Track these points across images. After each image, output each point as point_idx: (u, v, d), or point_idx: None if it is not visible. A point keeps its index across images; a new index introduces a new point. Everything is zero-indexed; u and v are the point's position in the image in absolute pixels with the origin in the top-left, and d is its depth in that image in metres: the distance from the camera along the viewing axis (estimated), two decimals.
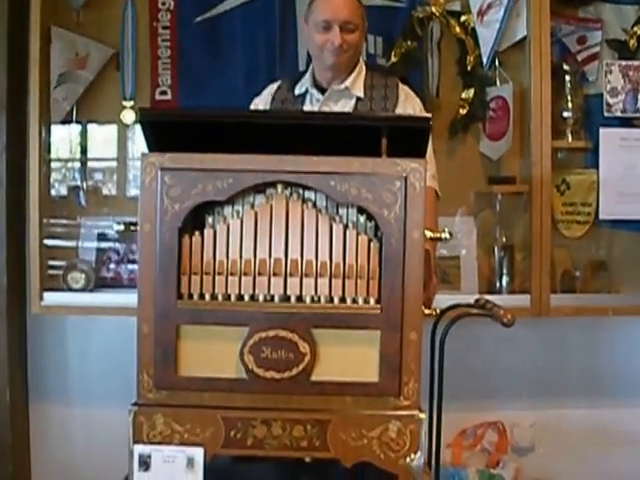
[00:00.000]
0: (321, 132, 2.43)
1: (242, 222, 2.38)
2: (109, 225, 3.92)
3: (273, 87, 3.29)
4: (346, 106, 3.05)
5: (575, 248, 3.90)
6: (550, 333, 3.73)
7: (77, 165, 4.03)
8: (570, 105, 3.78)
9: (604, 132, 3.78)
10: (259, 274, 2.37)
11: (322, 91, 3.11)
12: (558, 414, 3.96)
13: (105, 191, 4.08)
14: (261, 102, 3.24)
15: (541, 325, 3.56)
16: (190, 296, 2.38)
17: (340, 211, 2.41)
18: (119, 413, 3.77)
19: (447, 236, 2.42)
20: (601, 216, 3.81)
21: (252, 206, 2.39)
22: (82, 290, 3.81)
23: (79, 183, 3.98)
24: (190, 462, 2.38)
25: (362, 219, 2.41)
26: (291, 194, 2.38)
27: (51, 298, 3.77)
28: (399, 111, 3.00)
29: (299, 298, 2.38)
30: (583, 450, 3.97)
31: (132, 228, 2.44)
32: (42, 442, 4.00)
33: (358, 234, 2.37)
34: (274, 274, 2.37)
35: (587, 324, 3.93)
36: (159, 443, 2.38)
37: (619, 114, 3.81)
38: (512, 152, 3.85)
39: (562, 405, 3.97)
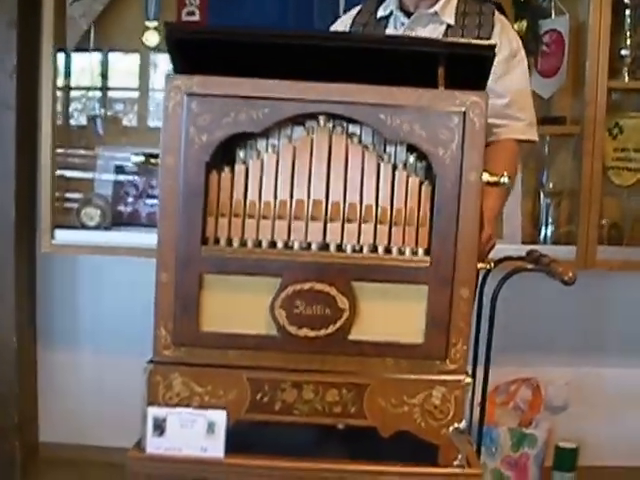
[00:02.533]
0: (370, 58, 2.14)
1: (278, 158, 2.09)
2: (128, 157, 3.63)
3: (354, 10, 2.98)
4: (434, 32, 2.73)
5: (625, 198, 3.61)
6: (593, 288, 3.45)
7: (97, 94, 3.71)
8: (629, 42, 3.46)
9: None
10: (295, 218, 2.09)
11: (408, 15, 2.79)
12: (595, 373, 3.72)
13: (125, 122, 3.80)
14: (340, 26, 2.93)
15: (584, 278, 3.28)
16: (216, 241, 2.11)
17: (388, 149, 2.13)
18: (132, 361, 3.59)
19: (506, 180, 2.13)
20: None
21: (290, 140, 2.10)
22: (97, 228, 3.53)
23: (98, 112, 3.66)
24: (211, 427, 2.12)
25: (412, 158, 2.12)
26: (334, 127, 2.09)
27: (63, 236, 3.49)
28: (494, 39, 2.67)
29: (339, 247, 2.10)
30: (618, 412, 3.73)
31: (153, 161, 2.16)
32: (50, 390, 3.76)
33: (408, 175, 2.08)
34: (312, 218, 2.09)
35: (633, 280, 3.64)
36: (176, 405, 2.12)
37: None
38: (564, 91, 3.54)
39: (599, 364, 3.72)
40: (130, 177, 3.65)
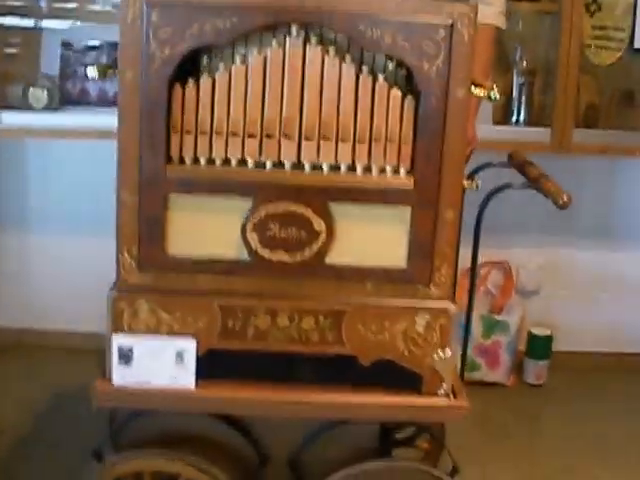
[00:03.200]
0: None
1: (247, 70, 1.91)
2: (75, 28, 3.36)
3: None
4: None
5: (602, 77, 3.44)
6: (566, 170, 3.34)
7: None
8: None
9: None
10: (267, 136, 1.93)
11: None
12: (567, 255, 3.63)
13: None
14: None
15: (557, 160, 3.17)
16: (181, 160, 1.95)
17: (366, 56, 1.95)
18: (84, 242, 3.48)
19: (496, 96, 1.98)
20: (637, 44, 3.32)
21: (260, 50, 1.92)
22: (45, 109, 3.30)
23: None
24: (180, 356, 2.02)
25: (391, 66, 1.96)
26: (309, 36, 1.91)
27: (9, 118, 3.27)
28: None
29: (315, 166, 1.95)
30: (590, 295, 3.67)
31: (110, 72, 1.96)
32: (2, 275, 3.62)
33: (390, 87, 1.92)
34: (285, 136, 1.93)
35: (607, 163, 3.53)
36: (143, 334, 2.01)
37: None
38: None
39: (572, 246, 3.63)
40: (78, 55, 3.39)
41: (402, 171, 1.96)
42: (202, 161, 1.95)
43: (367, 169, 1.96)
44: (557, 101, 3.24)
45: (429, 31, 1.88)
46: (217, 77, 1.92)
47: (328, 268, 1.99)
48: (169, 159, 1.94)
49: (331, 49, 1.91)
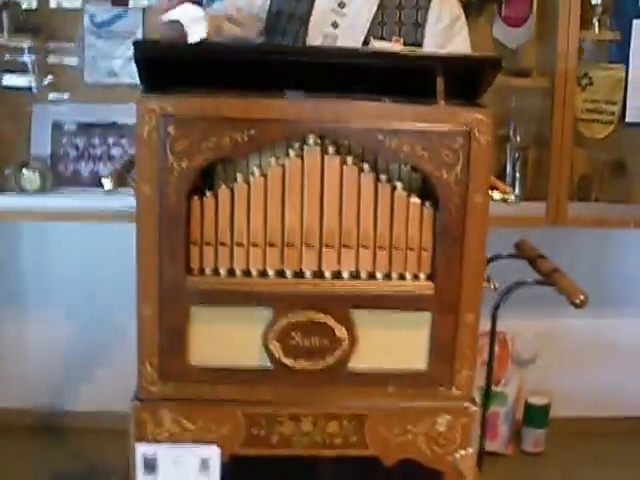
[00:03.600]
0: (360, 73, 1.97)
1: (266, 180, 1.92)
2: (64, 112, 3.34)
3: None
4: (368, 2, 2.50)
5: (594, 150, 3.48)
6: (559, 240, 3.37)
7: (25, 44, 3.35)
8: None
9: (638, 24, 3.29)
10: (287, 245, 1.94)
11: None
12: (562, 323, 3.65)
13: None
14: None
15: (550, 232, 3.20)
16: (202, 271, 1.95)
17: (381, 163, 1.97)
18: (80, 323, 3.46)
19: (512, 199, 2.00)
20: (628, 118, 3.37)
21: (278, 160, 1.93)
22: (37, 192, 3.28)
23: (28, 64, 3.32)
24: (204, 463, 2.01)
25: (405, 170, 1.98)
26: (326, 146, 1.92)
27: (1, 201, 3.25)
28: (434, 10, 2.48)
29: (336, 274, 1.96)
30: (586, 362, 3.70)
31: (130, 182, 1.96)
32: None
33: (409, 196, 1.94)
34: (306, 245, 1.94)
35: (599, 233, 3.57)
36: (167, 442, 2.00)
37: None
38: (530, 41, 3.37)
39: (566, 314, 3.65)
40: (69, 137, 3.37)
41: (422, 277, 1.97)
42: (222, 272, 1.95)
43: (387, 275, 1.97)
44: (552, 175, 3.27)
45: (447, 139, 1.90)
46: (235, 188, 1.93)
47: (350, 373, 2.00)
48: (189, 271, 1.94)
49: (349, 158, 1.92)
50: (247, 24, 2.57)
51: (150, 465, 2.01)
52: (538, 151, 3.42)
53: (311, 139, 1.91)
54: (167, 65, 1.93)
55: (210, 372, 1.99)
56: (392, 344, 2.00)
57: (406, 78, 1.97)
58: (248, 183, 1.92)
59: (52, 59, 3.23)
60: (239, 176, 1.93)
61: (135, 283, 1.96)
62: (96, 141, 3.34)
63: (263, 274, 1.96)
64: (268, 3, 2.59)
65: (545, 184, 3.30)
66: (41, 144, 3.39)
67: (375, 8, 2.50)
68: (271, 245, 1.94)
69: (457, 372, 2.00)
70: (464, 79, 1.97)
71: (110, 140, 3.25)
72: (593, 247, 3.63)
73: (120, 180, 2.03)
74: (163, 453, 2.00)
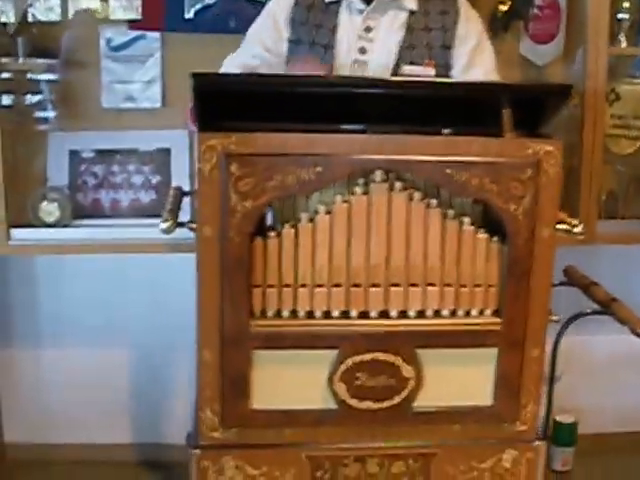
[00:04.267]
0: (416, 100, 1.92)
1: (332, 218, 1.86)
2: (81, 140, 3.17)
3: None
4: (395, 21, 2.45)
5: (622, 166, 3.44)
6: (583, 256, 3.34)
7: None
8: (627, 5, 3.23)
9: None
10: (353, 285, 1.88)
11: (366, 1, 2.50)
12: (586, 338, 3.62)
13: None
14: (279, 6, 2.58)
15: (573, 250, 3.16)
16: (264, 314, 1.89)
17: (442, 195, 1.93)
18: (95, 354, 3.35)
19: (579, 230, 1.96)
20: None
21: (343, 198, 1.87)
22: (57, 224, 3.12)
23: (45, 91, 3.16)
24: None
25: (467, 202, 1.94)
26: (392, 182, 1.87)
27: (20, 235, 3.08)
28: (461, 31, 2.44)
29: (401, 313, 1.91)
30: (613, 378, 3.68)
31: (190, 226, 1.89)
32: (13, 391, 3.45)
33: (476, 231, 1.89)
34: (373, 285, 1.89)
35: (622, 249, 3.53)
36: None
37: None
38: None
39: (590, 329, 3.63)
40: (87, 165, 3.23)
41: (487, 312, 1.93)
42: (285, 314, 1.89)
43: (452, 312, 1.92)
44: (582, 193, 3.20)
45: (516, 171, 1.86)
46: (300, 227, 1.87)
47: (416, 413, 1.96)
48: (251, 314, 1.88)
49: (416, 194, 1.87)
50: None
51: None
52: (566, 169, 3.36)
53: (378, 175, 1.86)
54: (222, 97, 1.86)
55: (273, 416, 1.94)
56: (458, 381, 1.97)
57: (465, 107, 1.93)
58: (313, 222, 1.86)
59: (68, 84, 3.10)
60: (303, 215, 1.87)
61: (194, 327, 1.90)
62: (115, 169, 3.21)
63: (327, 315, 1.90)
64: (290, 14, 2.52)
65: (575, 201, 3.23)
66: (59, 174, 3.22)
67: (403, 32, 2.44)
68: (336, 285, 1.88)
69: (523, 407, 1.97)
70: (528, 107, 1.93)
71: (130, 167, 3.13)
72: (617, 262, 3.58)
73: (173, 217, 1.95)
74: None
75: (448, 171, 1.85)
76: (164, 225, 1.89)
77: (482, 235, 1.90)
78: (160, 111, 3.06)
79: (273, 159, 1.81)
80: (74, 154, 3.14)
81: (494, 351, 1.94)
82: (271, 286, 1.88)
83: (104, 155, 3.12)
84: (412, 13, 2.47)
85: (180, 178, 3.00)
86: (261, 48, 2.49)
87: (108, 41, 3.00)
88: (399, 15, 2.48)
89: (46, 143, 3.11)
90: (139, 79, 3.04)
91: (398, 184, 1.87)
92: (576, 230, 1.95)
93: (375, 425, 1.95)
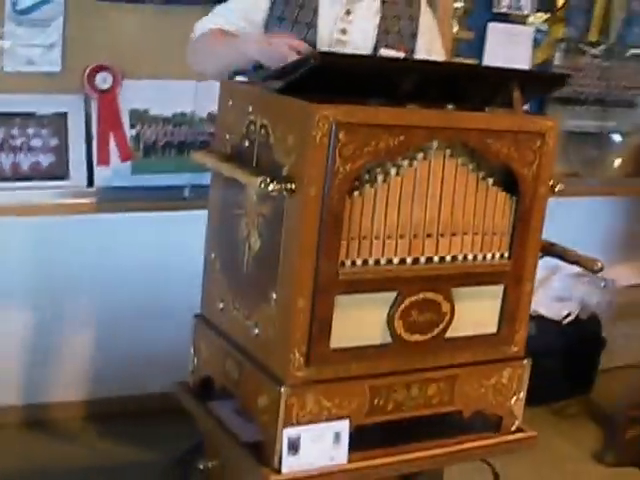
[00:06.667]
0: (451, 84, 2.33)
1: (402, 181, 2.20)
2: None
3: None
4: (371, 7, 2.71)
5: None
6: None
7: None
8: None
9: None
10: (414, 237, 2.24)
11: None
12: None
13: None
14: None
15: None
16: (352, 263, 2.18)
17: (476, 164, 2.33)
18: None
19: (562, 188, 2.45)
20: None
21: (410, 163, 2.21)
22: None
23: None
24: (337, 437, 2.24)
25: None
26: (443, 149, 2.25)
27: None
28: (423, 21, 2.81)
29: (441, 259, 2.30)
30: None
31: (288, 186, 2.11)
32: None
33: (497, 192, 2.34)
34: (428, 235, 2.26)
35: None
36: (307, 423, 2.20)
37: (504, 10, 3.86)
38: None
39: None
40: None
41: (497, 256, 2.38)
42: (371, 263, 2.19)
43: (474, 257, 2.35)
44: None
45: (530, 142, 2.31)
46: (378, 188, 2.18)
47: (446, 342, 2.35)
48: (341, 264, 2.16)
49: (460, 160, 2.27)
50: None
51: (294, 446, 2.19)
52: None
53: (435, 144, 2.22)
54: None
55: (344, 353, 2.22)
56: (475, 314, 2.38)
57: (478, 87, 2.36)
58: (388, 184, 2.18)
59: None
60: (379, 177, 2.18)
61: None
62: (15, 132, 3.11)
63: (389, 262, 2.23)
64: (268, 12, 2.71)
65: None
66: None
67: (378, 18, 2.75)
68: (401, 237, 2.22)
69: (516, 332, 2.45)
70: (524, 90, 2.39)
71: (30, 131, 3.06)
72: None
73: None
74: (305, 434, 2.20)
75: (489, 141, 2.26)
76: (272, 186, 2.10)
77: (502, 193, 2.34)
78: (59, 75, 3.06)
79: (370, 128, 2.11)
80: None
81: (501, 287, 2.39)
82: (352, 239, 2.17)
83: (3, 118, 3.04)
84: (384, 2, 2.77)
85: (77, 141, 3.04)
86: (240, 18, 2.66)
87: (14, 4, 2.94)
88: (373, 3, 2.75)
89: None
90: (41, 43, 3.01)
91: (448, 151, 2.25)
92: (558, 188, 2.45)
93: (418, 354, 2.31)
